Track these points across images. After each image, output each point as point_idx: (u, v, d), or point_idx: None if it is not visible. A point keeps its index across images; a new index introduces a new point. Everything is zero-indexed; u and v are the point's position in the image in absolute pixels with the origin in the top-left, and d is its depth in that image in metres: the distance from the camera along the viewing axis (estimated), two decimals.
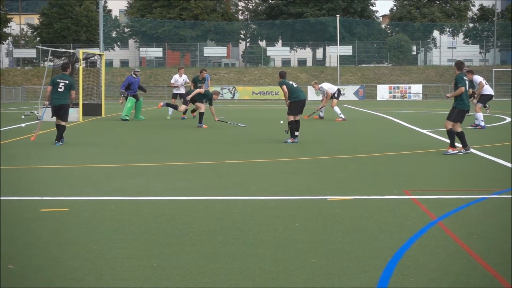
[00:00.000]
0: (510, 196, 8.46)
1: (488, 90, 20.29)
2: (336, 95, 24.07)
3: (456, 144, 13.19)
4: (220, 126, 21.10)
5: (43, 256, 5.70)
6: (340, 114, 23.98)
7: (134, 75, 25.13)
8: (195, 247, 5.96)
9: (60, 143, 15.14)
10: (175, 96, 26.28)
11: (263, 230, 6.61)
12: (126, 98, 24.90)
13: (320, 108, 24.68)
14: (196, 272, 5.23)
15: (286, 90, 15.66)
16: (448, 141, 13.36)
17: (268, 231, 6.54)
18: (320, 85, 24.30)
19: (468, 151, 13.08)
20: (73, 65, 27.29)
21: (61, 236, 6.43)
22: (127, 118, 24.67)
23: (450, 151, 13.02)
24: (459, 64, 13.56)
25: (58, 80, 15.19)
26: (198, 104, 20.83)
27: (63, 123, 15.20)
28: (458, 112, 13.22)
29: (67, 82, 15.15)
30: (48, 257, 5.68)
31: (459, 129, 13.25)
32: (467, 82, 13.30)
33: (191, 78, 26.00)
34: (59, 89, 15.10)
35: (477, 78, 20.25)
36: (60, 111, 15.17)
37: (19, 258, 5.64)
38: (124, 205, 8.04)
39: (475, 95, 20.14)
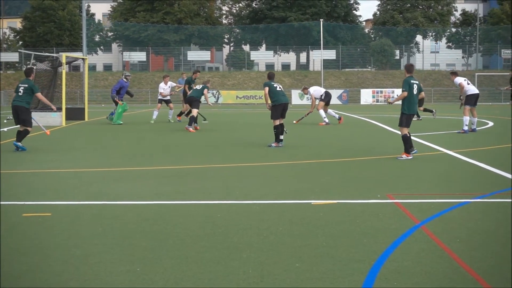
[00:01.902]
0: (492, 200, 8.51)
1: (471, 90, 19.84)
2: (323, 97, 24.04)
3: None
4: (204, 130, 21.07)
5: (25, 261, 5.65)
6: (324, 117, 23.86)
7: (125, 80, 25.12)
8: (178, 252, 5.94)
9: (20, 146, 14.69)
10: (160, 101, 26.37)
11: (247, 234, 6.60)
12: (119, 100, 24.79)
13: (308, 114, 24.68)
14: (179, 276, 5.21)
15: (266, 91, 15.61)
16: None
17: (252, 235, 6.54)
18: (308, 89, 24.36)
19: (413, 153, 13.11)
20: (56, 69, 27.25)
21: (44, 241, 6.39)
22: (121, 122, 24.76)
23: (404, 156, 12.96)
24: (408, 67, 13.47)
25: (19, 85, 15.10)
26: (192, 108, 21.00)
27: (28, 128, 14.88)
28: (407, 117, 13.16)
29: (26, 86, 14.90)
30: (30, 262, 5.64)
31: (405, 132, 13.23)
32: (415, 86, 13.12)
33: (181, 82, 26.56)
34: (18, 93, 14.92)
35: (457, 80, 20.06)
36: (19, 115, 14.85)
37: (1, 263, 5.59)
38: (107, 210, 8.01)
39: (461, 98, 20.13)
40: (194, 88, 22.14)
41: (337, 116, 24.41)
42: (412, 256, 5.75)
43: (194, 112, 20.92)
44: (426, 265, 5.49)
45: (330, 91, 25.93)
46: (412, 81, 13.04)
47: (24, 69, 15.58)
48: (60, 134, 20.55)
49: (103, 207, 8.17)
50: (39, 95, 15.17)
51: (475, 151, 14.38)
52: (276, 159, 13.22)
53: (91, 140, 18.33)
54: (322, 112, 23.99)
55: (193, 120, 20.81)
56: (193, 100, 21.04)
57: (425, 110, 25.16)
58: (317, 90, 24.40)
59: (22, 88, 14.89)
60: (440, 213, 7.57)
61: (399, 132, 13.28)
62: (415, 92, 13.07)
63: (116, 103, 24.85)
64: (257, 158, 13.56)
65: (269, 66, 74.36)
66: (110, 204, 8.39)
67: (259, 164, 12.66)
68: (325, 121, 23.75)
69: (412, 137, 13.16)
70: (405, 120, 13.09)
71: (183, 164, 12.53)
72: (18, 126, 15.12)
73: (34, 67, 22.16)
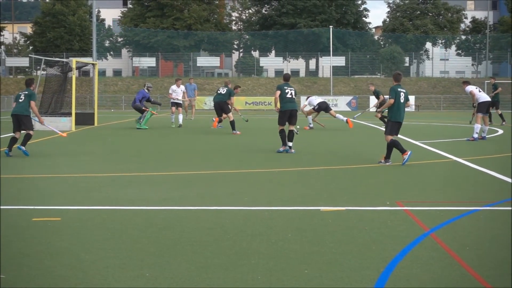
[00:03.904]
0: (502, 208, 8.48)
1: (482, 97, 19.73)
2: (315, 108, 25.01)
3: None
4: (213, 135, 21.09)
5: (34, 266, 5.67)
6: (310, 123, 25.11)
7: (146, 90, 25.61)
8: (187, 257, 5.94)
9: (24, 148, 14.73)
10: (173, 105, 26.71)
11: (255, 240, 6.60)
12: (146, 108, 25.48)
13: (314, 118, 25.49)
14: (188, 282, 5.21)
15: (277, 95, 15.61)
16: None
17: (261, 242, 6.53)
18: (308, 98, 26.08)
19: (387, 163, 13.18)
20: (66, 75, 27.36)
21: (53, 245, 6.40)
22: (146, 127, 25.33)
23: (405, 156, 13.02)
24: (396, 76, 13.52)
25: (20, 93, 15.32)
26: (228, 114, 22.47)
27: (31, 132, 14.95)
28: (393, 125, 13.23)
29: (26, 93, 15.13)
30: (39, 266, 5.66)
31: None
32: (402, 94, 13.21)
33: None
34: (19, 100, 15.09)
35: (468, 88, 20.01)
36: (21, 122, 14.95)
37: (11, 267, 5.61)
38: (116, 215, 8.02)
39: (474, 105, 20.06)
40: (218, 92, 22.84)
41: (345, 119, 24.72)
42: (421, 264, 5.74)
43: (231, 116, 22.42)
44: (435, 273, 5.48)
45: (339, 97, 26.49)
46: (399, 89, 13.19)
47: (25, 79, 15.77)
48: (69, 139, 20.60)
49: (112, 212, 8.18)
50: (33, 103, 15.16)
51: (485, 159, 14.34)
52: (284, 165, 13.21)
53: (100, 145, 18.38)
54: (309, 118, 25.30)
55: (234, 123, 22.41)
56: (223, 105, 22.40)
57: (381, 117, 25.62)
58: (312, 99, 25.57)
59: (23, 95, 15.10)
60: (450, 221, 7.55)
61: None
62: (402, 100, 13.17)
63: (142, 111, 25.20)
64: (265, 164, 13.55)
65: (279, 73, 74.34)
66: (119, 209, 8.41)
67: (267, 170, 12.65)
68: (309, 125, 25.03)
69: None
70: (389, 127, 13.20)
71: (191, 170, 12.54)
72: (13, 134, 15.07)
73: (42, 74, 22.34)
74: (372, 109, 27.08)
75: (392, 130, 13.19)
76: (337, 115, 25.12)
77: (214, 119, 23.24)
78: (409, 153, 12.97)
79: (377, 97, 25.40)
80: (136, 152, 16.44)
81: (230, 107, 22.59)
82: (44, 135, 20.83)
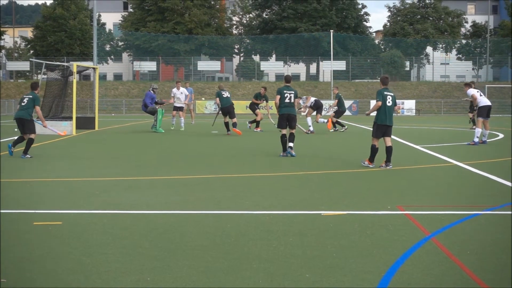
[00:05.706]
0: (503, 212, 8.48)
1: (483, 101, 19.75)
2: (312, 104, 25.63)
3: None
4: (213, 139, 21.08)
5: (36, 270, 5.67)
6: (309, 126, 25.14)
7: (152, 92, 25.75)
8: (188, 262, 5.94)
9: (28, 156, 15.15)
10: (175, 108, 26.87)
11: (256, 244, 6.60)
12: (159, 104, 26.03)
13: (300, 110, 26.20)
14: (189, 286, 5.21)
15: (277, 100, 15.67)
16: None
17: (262, 246, 6.53)
18: (302, 98, 26.69)
19: (388, 167, 13.23)
20: (67, 79, 27.39)
21: (54, 249, 6.40)
22: (162, 130, 25.53)
23: (366, 163, 13.43)
24: (383, 79, 13.71)
25: (24, 96, 15.73)
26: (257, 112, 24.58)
27: (32, 136, 15.34)
28: (378, 127, 13.35)
29: (30, 96, 15.51)
30: (41, 270, 5.66)
31: (389, 144, 13.39)
32: (389, 97, 13.32)
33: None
34: (22, 103, 15.50)
35: (470, 92, 20.03)
36: (24, 126, 15.35)
37: (12, 271, 5.61)
38: (117, 219, 8.02)
39: (475, 108, 20.09)
40: (224, 96, 23.92)
41: (325, 120, 26.04)
42: (422, 268, 5.74)
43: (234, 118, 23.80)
44: (436, 277, 5.48)
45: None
46: (385, 93, 13.37)
47: (31, 83, 16.11)
48: (70, 143, 20.61)
49: (113, 216, 8.19)
50: (38, 108, 15.59)
51: (486, 163, 14.34)
52: (284, 170, 13.22)
53: (101, 149, 18.38)
54: (309, 119, 25.38)
55: (236, 124, 23.70)
56: (230, 109, 23.83)
57: (337, 122, 26.22)
58: (309, 99, 26.18)
59: (27, 99, 15.53)
60: (451, 225, 7.54)
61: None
62: (389, 103, 13.29)
63: (154, 113, 25.24)
64: (266, 168, 13.55)
65: (279, 77, 74.40)
66: (120, 213, 8.41)
67: (268, 174, 12.65)
68: (309, 129, 24.94)
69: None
70: (375, 130, 13.41)
71: (193, 174, 12.54)
72: (22, 134, 15.37)
73: (42, 78, 22.45)
74: (329, 112, 27.75)
75: (378, 132, 13.36)
76: (319, 119, 25.91)
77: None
78: (371, 165, 13.33)
79: (339, 103, 25.80)
80: (137, 156, 16.44)
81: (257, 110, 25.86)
82: (46, 139, 20.86)
